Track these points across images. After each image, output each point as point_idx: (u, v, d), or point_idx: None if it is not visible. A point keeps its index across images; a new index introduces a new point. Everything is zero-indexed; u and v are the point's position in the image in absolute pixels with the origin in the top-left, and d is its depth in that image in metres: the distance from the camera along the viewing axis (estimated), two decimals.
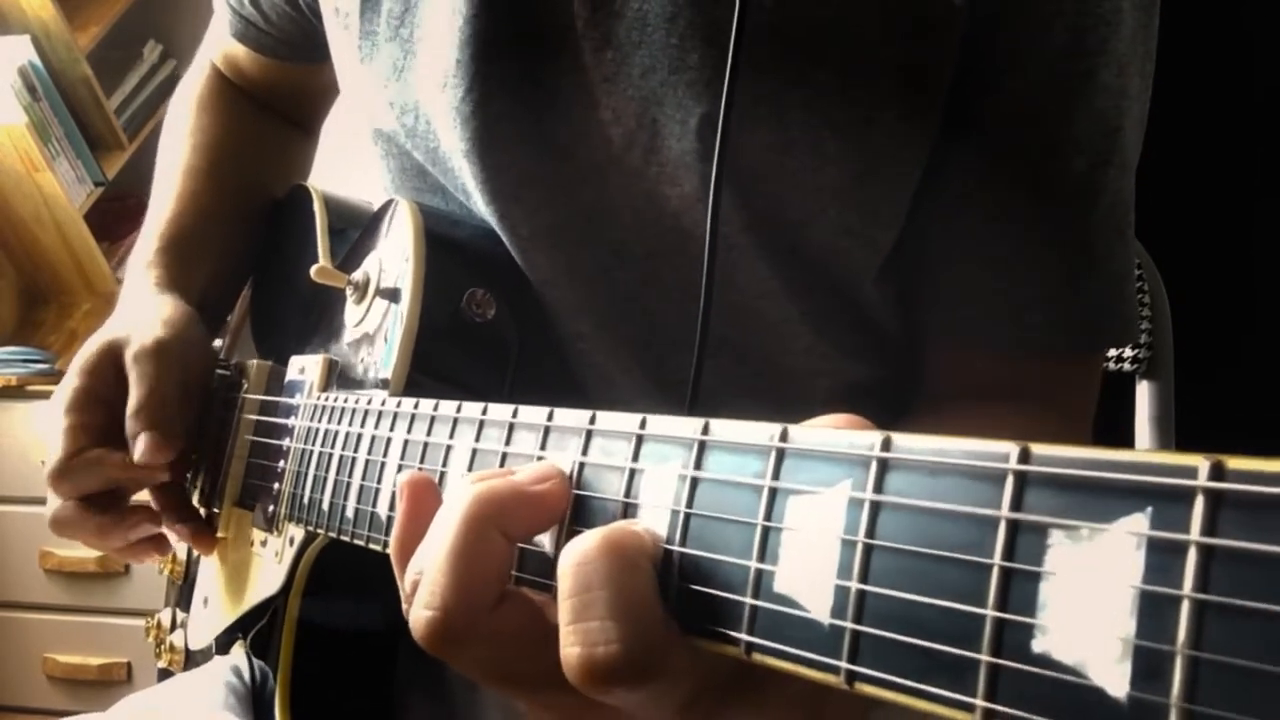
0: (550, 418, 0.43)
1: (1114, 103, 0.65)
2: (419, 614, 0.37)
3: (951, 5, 0.62)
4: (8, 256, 2.55)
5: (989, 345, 0.68)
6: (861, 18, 0.62)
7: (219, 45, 0.99)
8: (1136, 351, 0.97)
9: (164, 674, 0.91)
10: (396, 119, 0.73)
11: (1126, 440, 0.97)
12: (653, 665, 0.33)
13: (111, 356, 0.76)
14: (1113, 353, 0.98)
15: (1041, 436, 0.26)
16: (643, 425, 0.38)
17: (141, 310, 0.80)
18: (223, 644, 0.81)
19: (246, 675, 0.78)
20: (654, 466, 0.37)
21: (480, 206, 0.70)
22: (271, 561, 0.72)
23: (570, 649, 0.33)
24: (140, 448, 0.72)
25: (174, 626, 0.92)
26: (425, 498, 0.43)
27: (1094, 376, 0.73)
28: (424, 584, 0.38)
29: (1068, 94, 0.64)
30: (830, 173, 0.64)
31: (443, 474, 0.50)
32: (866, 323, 0.72)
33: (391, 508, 0.54)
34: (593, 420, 0.41)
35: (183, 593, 0.91)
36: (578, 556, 0.34)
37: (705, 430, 0.35)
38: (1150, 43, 0.67)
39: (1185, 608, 0.22)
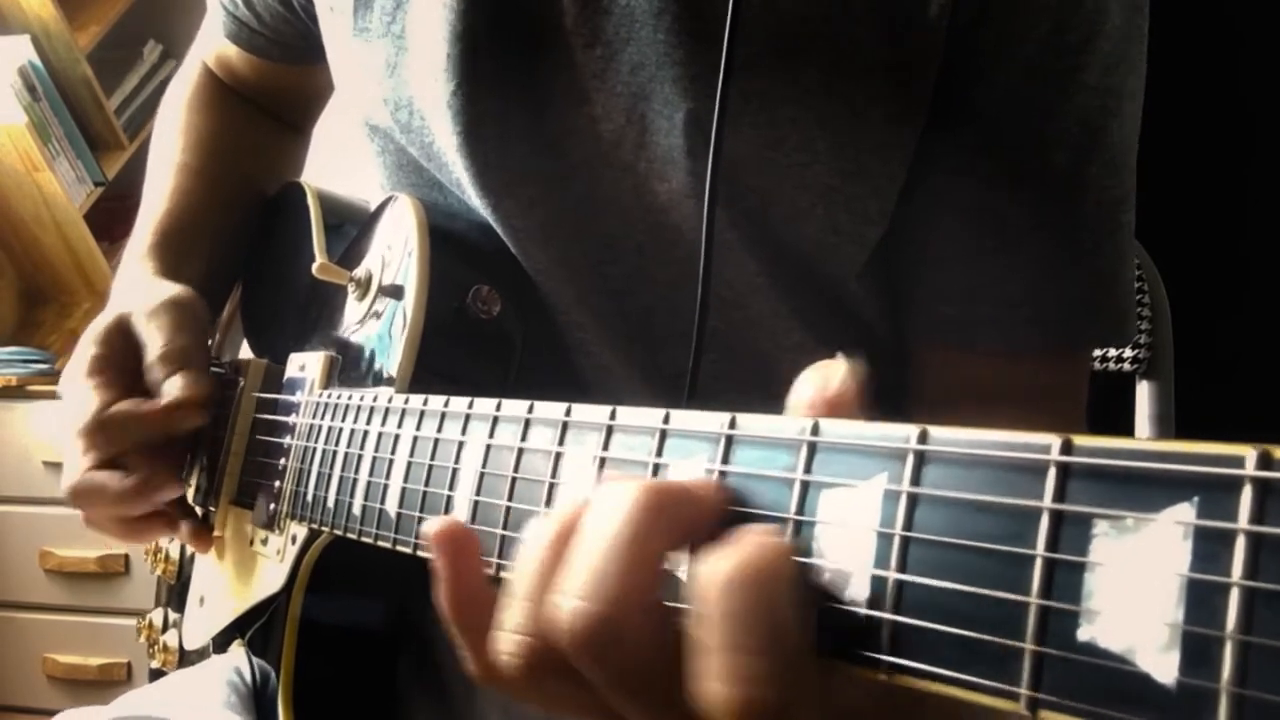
0: (569, 413, 0.43)
1: (1099, 100, 0.65)
2: (572, 605, 0.33)
3: (937, 3, 0.62)
4: (8, 256, 2.53)
5: (971, 342, 0.68)
6: (847, 15, 0.63)
7: (211, 46, 0.99)
8: (1136, 352, 0.97)
9: (156, 674, 0.90)
10: (391, 115, 0.73)
11: None
12: (803, 703, 0.30)
13: (121, 327, 0.76)
14: (1113, 352, 0.98)
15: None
16: (666, 420, 0.38)
17: (143, 290, 0.80)
18: (220, 643, 0.81)
19: (247, 675, 0.78)
20: (679, 461, 0.37)
21: (474, 200, 0.70)
22: (273, 560, 0.71)
23: (715, 684, 0.30)
24: (174, 386, 0.72)
25: (166, 627, 0.91)
26: (463, 544, 0.40)
27: (1082, 375, 0.73)
28: (577, 573, 0.33)
29: (1049, 90, 0.64)
30: (819, 169, 0.64)
31: (455, 470, 0.50)
32: (855, 320, 0.72)
33: (401, 504, 0.54)
34: (613, 415, 0.41)
35: (174, 592, 0.91)
36: (725, 578, 0.30)
37: (732, 424, 0.35)
38: (1141, 43, 0.67)
39: (1235, 595, 0.22)
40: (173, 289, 0.79)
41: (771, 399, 0.72)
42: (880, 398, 0.73)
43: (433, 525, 0.40)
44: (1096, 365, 1.00)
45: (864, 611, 0.29)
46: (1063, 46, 0.63)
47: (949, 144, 0.65)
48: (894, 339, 0.73)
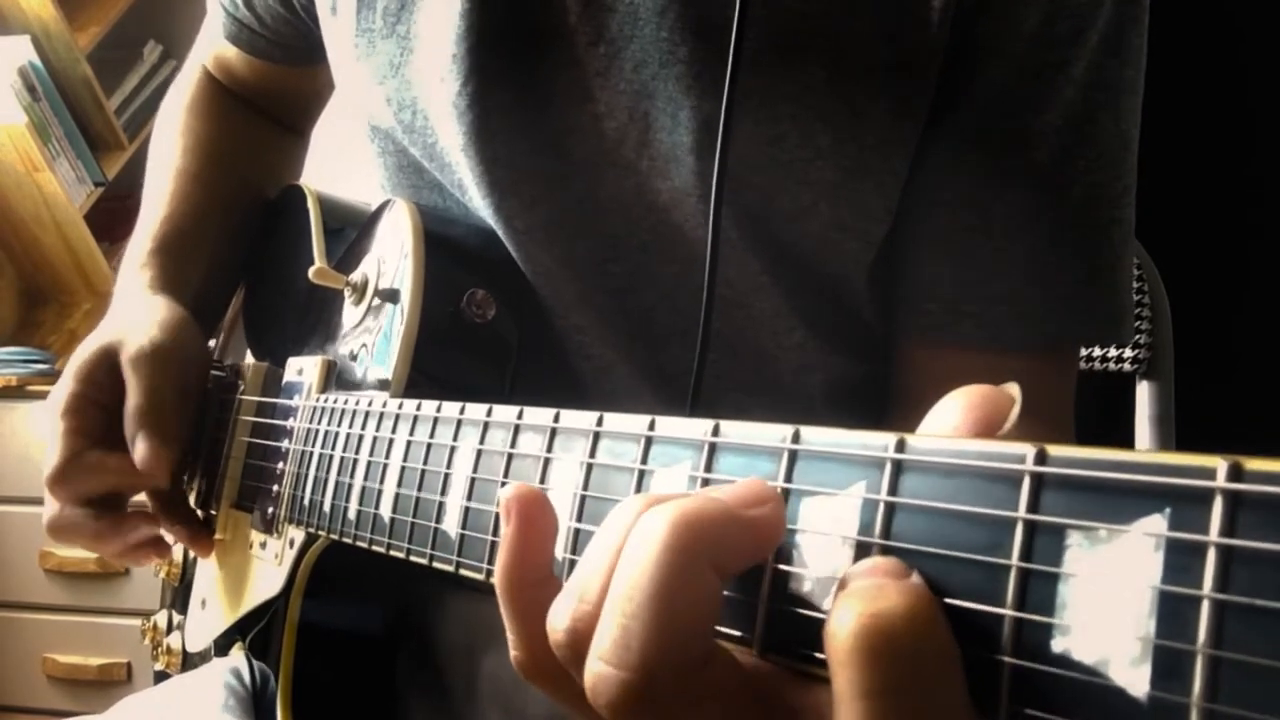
0: (556, 419, 0.43)
1: (1087, 94, 0.64)
2: (604, 673, 0.30)
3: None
4: (8, 256, 2.54)
5: (955, 338, 0.67)
6: (849, 12, 0.63)
7: (211, 48, 0.99)
8: (1136, 352, 0.97)
9: (160, 676, 0.91)
10: (394, 115, 0.73)
11: (1127, 441, 0.97)
12: None
13: (107, 360, 0.76)
14: (1113, 352, 0.98)
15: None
16: (651, 426, 0.38)
17: (136, 312, 0.80)
18: (221, 646, 0.81)
19: (246, 677, 0.78)
20: (663, 468, 0.37)
21: (477, 200, 0.70)
22: (271, 564, 0.71)
23: None
24: (140, 451, 0.72)
25: (170, 629, 0.91)
26: (539, 516, 0.36)
27: (1069, 377, 0.72)
28: (607, 635, 0.30)
29: (1037, 83, 0.63)
30: (821, 165, 0.64)
31: (447, 475, 0.50)
32: (858, 319, 0.72)
33: (395, 509, 0.54)
34: (600, 422, 0.40)
35: (178, 595, 0.91)
36: (884, 635, 0.25)
37: (715, 432, 0.35)
38: (1139, 35, 0.66)
39: (1205, 608, 0.22)
40: (164, 321, 0.79)
41: (775, 398, 0.73)
42: (885, 399, 0.74)
43: (509, 489, 0.37)
44: (1096, 365, 1.00)
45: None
46: (1053, 39, 0.63)
47: (937, 136, 0.65)
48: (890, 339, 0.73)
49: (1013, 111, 0.64)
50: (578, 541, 0.40)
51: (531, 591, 0.36)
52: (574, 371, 0.72)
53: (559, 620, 0.33)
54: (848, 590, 0.27)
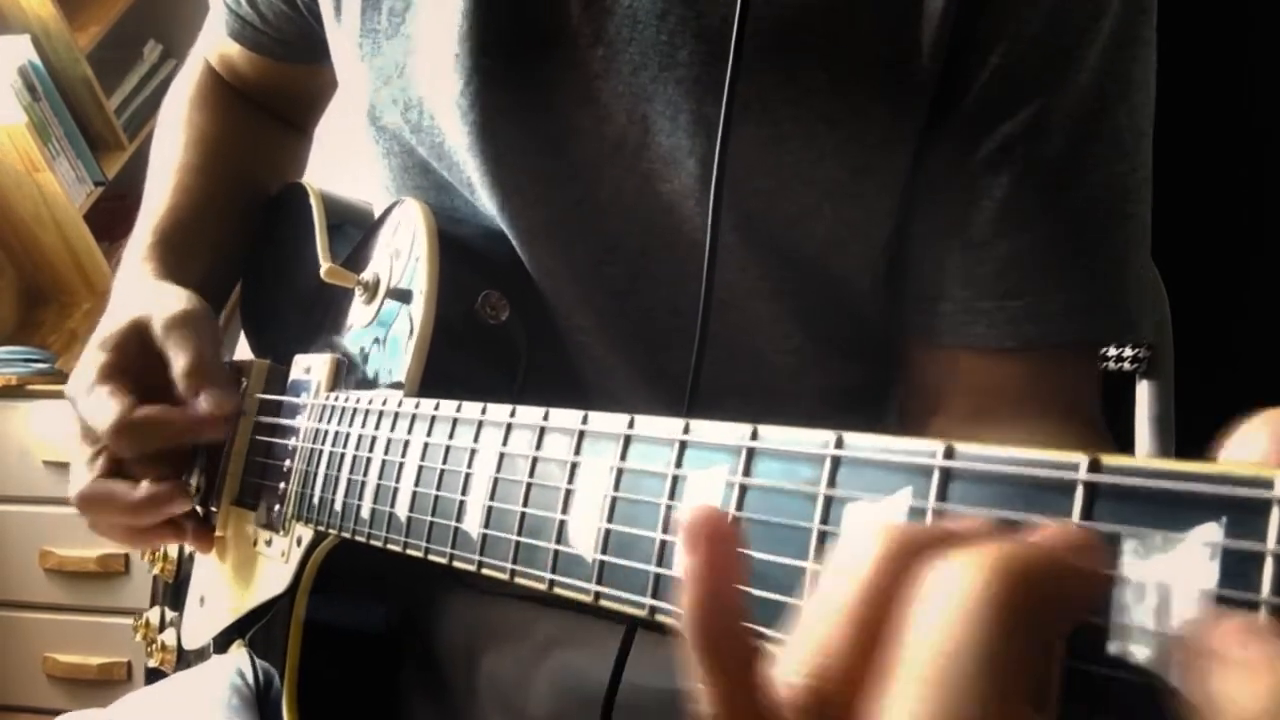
0: (585, 421, 0.43)
1: (1100, 88, 0.64)
2: None
3: None
4: (8, 256, 2.52)
5: (966, 339, 0.67)
6: (849, 11, 0.63)
7: (214, 44, 0.99)
8: (1136, 351, 0.97)
9: (154, 673, 0.90)
10: (400, 115, 0.73)
11: (1126, 441, 0.98)
12: None
13: (137, 332, 0.76)
14: (1113, 352, 0.98)
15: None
16: (686, 430, 0.38)
17: (151, 294, 0.80)
18: (221, 643, 0.81)
19: (250, 676, 0.78)
20: (698, 473, 0.37)
21: (484, 200, 0.70)
22: (277, 561, 0.71)
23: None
24: (207, 401, 0.72)
25: (163, 626, 0.91)
26: (731, 543, 0.31)
27: (1086, 379, 0.71)
28: (906, 704, 0.25)
29: (1047, 72, 0.63)
30: (826, 166, 0.64)
31: (468, 475, 0.50)
32: (858, 322, 0.72)
33: (412, 509, 0.54)
34: (631, 424, 0.41)
35: (171, 591, 0.91)
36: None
37: (754, 436, 0.35)
38: (1148, 29, 0.66)
39: (1262, 615, 0.23)
40: (182, 296, 0.79)
41: (773, 402, 0.73)
42: (883, 402, 0.74)
43: (689, 512, 0.31)
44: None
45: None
46: (1062, 27, 0.62)
47: (943, 134, 0.65)
48: (895, 343, 0.73)
49: (1025, 99, 0.63)
50: (608, 542, 0.41)
51: (732, 636, 0.31)
52: (577, 372, 0.73)
53: (794, 676, 0.28)
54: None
